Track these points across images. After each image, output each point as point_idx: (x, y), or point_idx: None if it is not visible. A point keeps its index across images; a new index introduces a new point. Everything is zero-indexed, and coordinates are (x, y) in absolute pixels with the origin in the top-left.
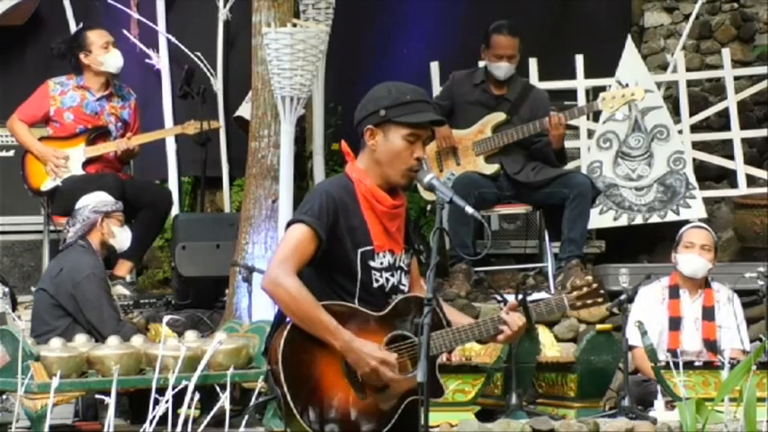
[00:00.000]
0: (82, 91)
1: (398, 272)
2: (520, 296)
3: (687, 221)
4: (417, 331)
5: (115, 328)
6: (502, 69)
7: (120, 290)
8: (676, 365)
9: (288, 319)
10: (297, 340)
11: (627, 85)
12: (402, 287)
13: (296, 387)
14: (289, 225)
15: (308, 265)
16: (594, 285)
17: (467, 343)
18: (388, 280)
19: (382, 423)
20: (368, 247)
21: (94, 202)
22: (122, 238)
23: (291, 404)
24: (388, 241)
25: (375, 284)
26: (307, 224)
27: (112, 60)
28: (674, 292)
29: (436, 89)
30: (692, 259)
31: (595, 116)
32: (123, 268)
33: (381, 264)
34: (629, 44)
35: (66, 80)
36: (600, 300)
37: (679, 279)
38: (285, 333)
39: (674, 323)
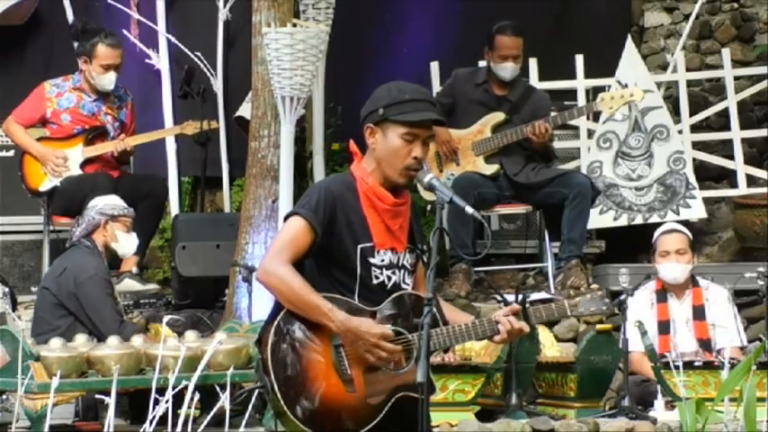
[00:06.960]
0: (78, 92)
1: (401, 270)
2: (520, 297)
3: (687, 222)
4: (414, 330)
5: (116, 329)
6: (507, 70)
7: (129, 283)
8: (676, 365)
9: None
10: (288, 332)
11: (626, 86)
12: (405, 286)
13: (284, 377)
14: (287, 218)
15: (305, 258)
16: (599, 293)
17: (462, 342)
18: (389, 278)
19: (369, 418)
20: (368, 244)
21: (103, 203)
22: (127, 243)
23: (279, 394)
24: (389, 239)
25: (375, 281)
26: (303, 217)
27: (104, 82)
28: (661, 296)
29: (436, 89)
30: (670, 267)
31: (595, 116)
32: (129, 262)
33: (382, 261)
34: (629, 44)
35: (62, 82)
36: (604, 308)
37: (665, 282)
38: (276, 324)
39: (664, 327)
